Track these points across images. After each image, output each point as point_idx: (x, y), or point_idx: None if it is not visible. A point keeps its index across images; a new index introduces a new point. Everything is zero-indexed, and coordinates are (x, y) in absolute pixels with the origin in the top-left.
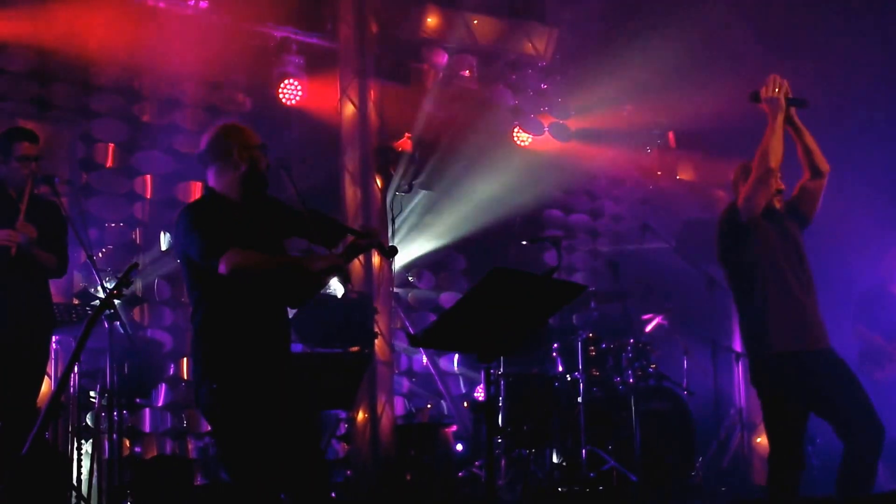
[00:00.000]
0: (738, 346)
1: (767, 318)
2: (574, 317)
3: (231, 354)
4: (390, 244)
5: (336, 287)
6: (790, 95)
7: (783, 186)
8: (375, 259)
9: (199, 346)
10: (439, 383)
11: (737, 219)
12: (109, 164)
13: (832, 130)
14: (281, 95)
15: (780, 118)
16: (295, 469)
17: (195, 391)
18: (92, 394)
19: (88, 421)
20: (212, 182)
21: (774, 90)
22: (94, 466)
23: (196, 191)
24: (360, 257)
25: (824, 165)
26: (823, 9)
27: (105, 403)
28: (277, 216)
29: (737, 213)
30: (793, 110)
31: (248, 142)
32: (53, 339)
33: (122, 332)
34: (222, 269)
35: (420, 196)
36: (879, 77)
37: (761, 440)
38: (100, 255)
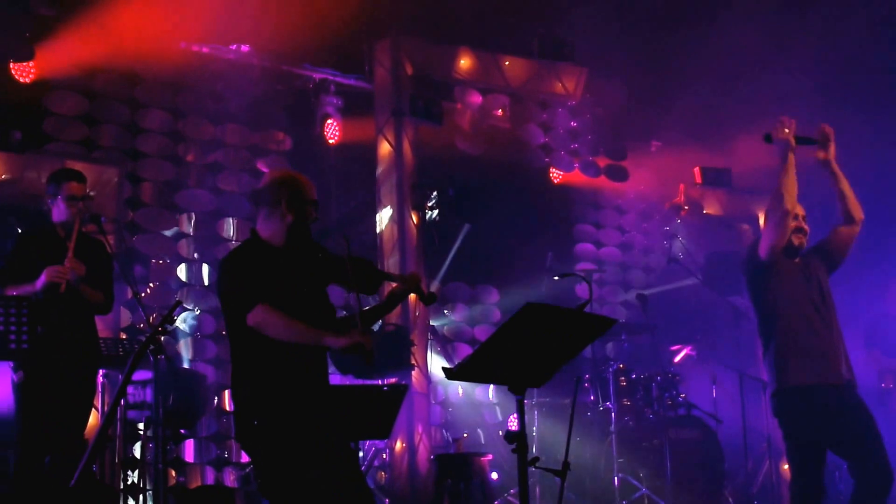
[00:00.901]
0: (764, 375)
1: (787, 352)
2: (606, 348)
3: (269, 392)
4: (429, 291)
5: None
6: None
7: (806, 227)
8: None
9: (239, 384)
10: (475, 414)
11: (758, 257)
12: (154, 202)
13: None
14: (321, 134)
15: (791, 158)
16: (339, 497)
17: (235, 426)
18: (139, 426)
19: (136, 452)
20: (258, 225)
21: (784, 131)
22: (140, 497)
23: (238, 229)
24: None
25: (858, 213)
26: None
27: (151, 435)
28: (318, 262)
29: (754, 252)
30: (833, 157)
31: (301, 195)
32: (100, 372)
33: (166, 365)
34: (249, 321)
35: (461, 230)
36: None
37: (788, 467)
38: (147, 290)
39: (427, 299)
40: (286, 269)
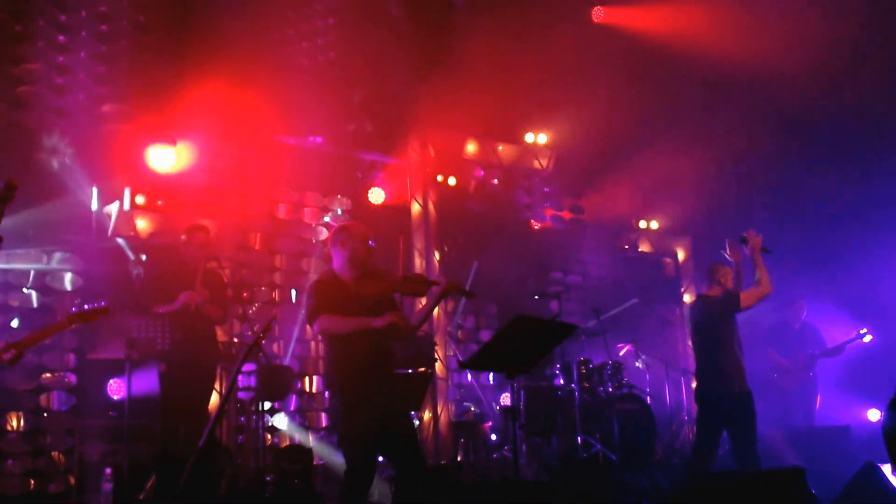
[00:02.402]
0: (683, 364)
1: (732, 369)
2: (570, 346)
3: (341, 376)
4: (467, 289)
5: None
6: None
7: None
8: (436, 310)
9: (326, 368)
10: (479, 393)
11: (734, 308)
12: (258, 247)
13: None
14: (370, 198)
15: (761, 258)
16: (399, 449)
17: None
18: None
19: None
20: (333, 260)
21: (756, 240)
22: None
23: (314, 265)
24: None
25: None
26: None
27: (254, 409)
28: (378, 282)
29: (736, 305)
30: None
31: (355, 236)
32: (219, 365)
33: (264, 360)
34: (315, 329)
35: (473, 266)
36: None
37: (697, 434)
38: (252, 309)
39: (468, 294)
40: (348, 293)
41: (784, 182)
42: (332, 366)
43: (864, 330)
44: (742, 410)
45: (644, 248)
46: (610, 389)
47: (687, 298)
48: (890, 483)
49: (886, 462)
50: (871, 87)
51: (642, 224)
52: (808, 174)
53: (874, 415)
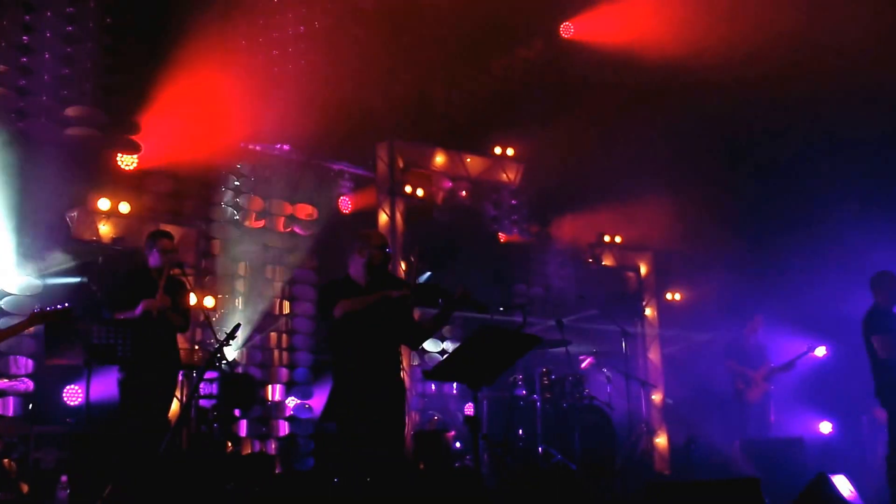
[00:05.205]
0: (642, 376)
1: None
2: (533, 357)
3: (341, 380)
4: (481, 302)
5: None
6: None
7: None
8: None
9: (333, 373)
10: (443, 402)
11: None
12: (221, 254)
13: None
14: (338, 207)
15: None
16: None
17: None
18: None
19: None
20: (350, 266)
21: None
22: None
23: (279, 274)
24: None
25: None
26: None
27: (216, 416)
28: (393, 288)
29: None
30: None
31: (370, 242)
32: (180, 373)
33: (225, 369)
34: (336, 314)
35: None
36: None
37: (660, 440)
38: (215, 316)
39: (481, 308)
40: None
41: (739, 198)
42: (336, 375)
43: (820, 347)
44: None
45: (607, 261)
46: (571, 401)
47: (648, 312)
48: (840, 493)
49: (837, 473)
50: (823, 99)
51: (606, 238)
52: (763, 189)
53: (826, 427)
